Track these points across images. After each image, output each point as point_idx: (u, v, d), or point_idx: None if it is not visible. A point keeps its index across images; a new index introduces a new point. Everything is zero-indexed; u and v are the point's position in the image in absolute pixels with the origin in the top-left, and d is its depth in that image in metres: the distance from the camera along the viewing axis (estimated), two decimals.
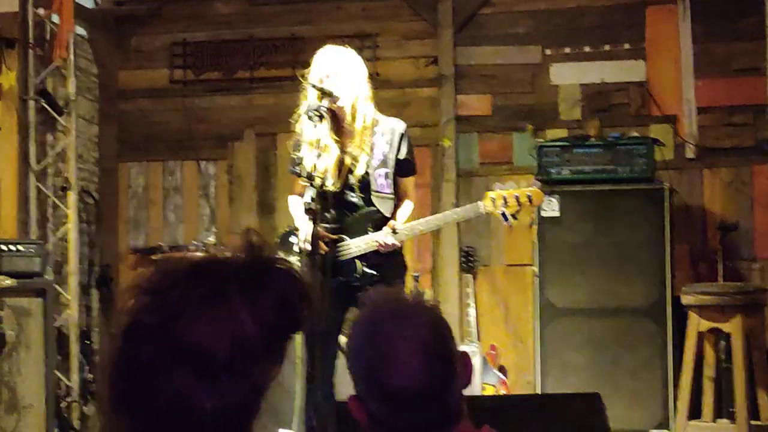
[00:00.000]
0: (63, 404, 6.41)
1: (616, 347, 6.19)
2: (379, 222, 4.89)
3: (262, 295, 1.35)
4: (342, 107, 4.81)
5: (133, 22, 7.78)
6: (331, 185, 4.80)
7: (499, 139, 7.27)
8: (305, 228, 4.75)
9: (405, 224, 4.90)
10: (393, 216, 4.93)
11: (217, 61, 7.66)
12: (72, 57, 6.75)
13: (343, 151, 4.87)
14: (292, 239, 4.96)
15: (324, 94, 4.75)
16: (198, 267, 1.39)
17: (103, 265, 7.34)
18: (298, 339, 4.67)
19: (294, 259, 4.79)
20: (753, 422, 5.32)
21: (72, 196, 6.73)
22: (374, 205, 4.90)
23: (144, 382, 1.32)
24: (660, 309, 6.15)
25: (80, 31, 7.27)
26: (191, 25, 7.72)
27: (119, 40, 7.80)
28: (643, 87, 7.07)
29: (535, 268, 6.41)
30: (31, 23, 6.61)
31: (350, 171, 4.88)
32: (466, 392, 2.01)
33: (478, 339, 6.86)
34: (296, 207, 5.00)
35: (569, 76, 7.20)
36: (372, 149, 4.88)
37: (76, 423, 6.52)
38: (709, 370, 5.50)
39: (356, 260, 4.87)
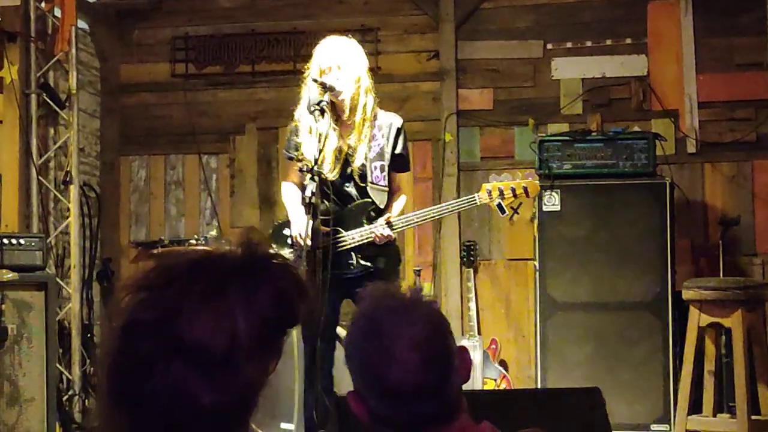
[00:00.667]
0: (64, 398, 6.43)
1: (617, 342, 6.20)
2: (374, 214, 4.91)
3: (260, 291, 1.36)
4: (343, 99, 4.82)
5: (135, 15, 7.78)
6: (328, 174, 4.82)
7: (500, 133, 7.27)
8: (300, 221, 4.77)
9: (400, 216, 4.93)
10: (387, 208, 4.95)
11: (219, 55, 7.66)
12: (74, 51, 6.75)
13: (342, 142, 4.89)
14: (285, 231, 4.97)
15: (325, 88, 4.77)
16: (196, 263, 1.39)
17: (104, 258, 7.35)
18: (296, 334, 4.68)
19: (286, 252, 4.80)
20: (753, 417, 5.33)
21: (74, 190, 6.73)
22: (369, 197, 4.91)
23: (142, 377, 1.33)
24: (661, 303, 6.15)
25: (82, 24, 7.26)
26: (193, 19, 7.72)
27: (121, 33, 7.80)
28: (645, 81, 7.07)
29: (536, 263, 6.41)
30: (32, 17, 6.61)
31: (348, 162, 4.89)
32: (466, 387, 2.01)
33: (479, 333, 6.86)
34: (291, 197, 5.01)
35: (571, 70, 7.20)
36: (370, 141, 4.90)
37: (77, 417, 6.53)
38: (709, 365, 5.50)
39: (351, 252, 4.88)
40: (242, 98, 7.64)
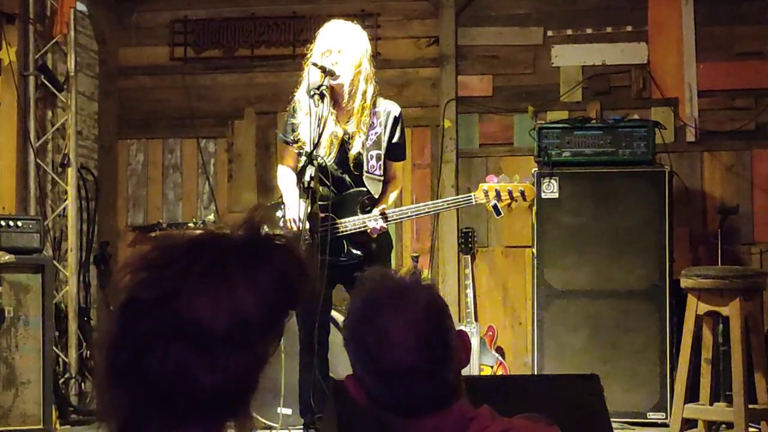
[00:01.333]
0: (61, 381, 6.42)
1: (615, 329, 6.20)
2: (368, 203, 4.91)
3: (261, 271, 1.35)
4: (341, 84, 4.81)
5: None
6: (324, 158, 4.81)
7: (499, 120, 7.26)
8: (295, 205, 4.77)
9: (395, 209, 4.93)
10: (381, 197, 4.94)
11: (218, 38, 7.63)
12: (72, 33, 6.73)
13: (340, 128, 4.88)
14: (278, 213, 4.97)
15: (326, 72, 4.75)
16: (197, 243, 1.38)
17: (102, 242, 7.33)
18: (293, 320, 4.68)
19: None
20: (750, 405, 5.33)
21: (71, 173, 6.72)
22: (364, 186, 4.91)
23: (141, 358, 1.32)
24: (659, 292, 6.15)
25: (81, 7, 7.23)
26: (192, 2, 7.69)
27: (120, 16, 7.77)
28: (645, 70, 7.06)
29: (534, 250, 6.41)
30: None
31: (344, 149, 4.88)
32: (463, 373, 2.01)
33: (476, 320, 6.87)
34: (287, 181, 5.01)
35: (571, 57, 7.19)
36: (368, 130, 4.89)
37: (73, 399, 6.53)
38: (706, 353, 5.50)
39: (343, 240, 4.88)
40: (241, 82, 7.61)
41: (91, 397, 6.60)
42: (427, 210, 5.11)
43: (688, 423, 5.53)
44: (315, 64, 4.77)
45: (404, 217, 5.04)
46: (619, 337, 6.19)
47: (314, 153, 4.71)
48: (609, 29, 7.14)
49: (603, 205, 6.30)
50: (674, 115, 6.97)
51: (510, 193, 4.98)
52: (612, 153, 6.38)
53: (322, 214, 4.78)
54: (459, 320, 6.83)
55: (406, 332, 1.87)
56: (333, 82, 4.78)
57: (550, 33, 7.22)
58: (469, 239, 7.04)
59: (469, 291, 6.94)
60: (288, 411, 5.28)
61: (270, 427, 5.50)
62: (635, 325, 6.17)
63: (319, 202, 4.77)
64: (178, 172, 7.67)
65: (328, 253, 4.74)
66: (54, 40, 6.72)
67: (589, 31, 7.16)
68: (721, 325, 5.57)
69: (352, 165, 4.87)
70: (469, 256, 7.04)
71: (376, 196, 4.93)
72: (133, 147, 7.73)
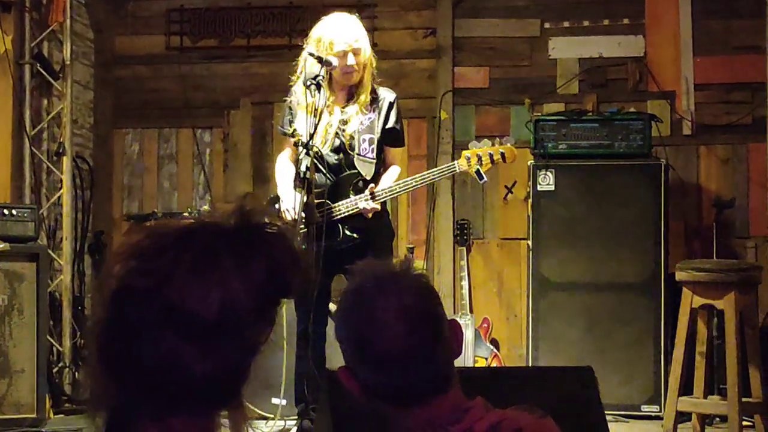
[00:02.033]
0: (54, 370, 6.42)
1: (609, 322, 6.20)
2: (360, 185, 4.93)
3: (253, 260, 1.35)
4: (350, 75, 4.85)
5: None
6: (321, 148, 4.84)
7: (496, 112, 7.25)
8: (291, 197, 4.78)
9: (383, 187, 4.93)
10: (374, 180, 4.96)
11: (214, 28, 7.61)
12: (68, 21, 6.70)
13: (336, 117, 4.90)
14: (276, 206, 4.98)
15: (322, 63, 4.76)
16: (188, 231, 1.38)
17: (96, 231, 7.32)
18: (284, 308, 4.68)
19: None
20: (744, 399, 5.33)
21: (66, 162, 6.70)
22: (356, 168, 4.93)
23: (133, 346, 1.31)
24: (654, 285, 6.15)
25: None
26: None
27: (116, 5, 7.74)
28: (642, 63, 7.05)
29: (530, 242, 6.40)
30: None
31: (339, 136, 4.91)
32: (457, 364, 2.01)
33: (471, 312, 6.86)
34: (282, 172, 5.02)
35: (568, 50, 7.18)
36: (363, 115, 4.93)
37: (67, 389, 6.53)
38: (701, 347, 5.50)
39: (338, 224, 4.89)
40: (237, 72, 7.59)
41: (84, 386, 6.60)
42: (414, 183, 5.11)
43: (682, 416, 5.53)
44: (312, 55, 4.77)
45: (394, 194, 5.05)
46: (613, 330, 6.19)
47: (310, 143, 4.71)
48: (606, 22, 7.13)
49: (599, 198, 6.30)
50: (671, 109, 6.96)
51: (491, 156, 5.10)
52: (608, 146, 6.37)
53: (318, 200, 4.80)
54: (454, 312, 6.82)
55: (396, 318, 1.88)
56: (335, 72, 4.83)
57: (547, 25, 7.20)
58: (465, 231, 7.04)
59: (465, 283, 6.93)
60: (283, 402, 5.28)
61: (265, 418, 5.50)
62: (630, 317, 6.18)
63: (316, 190, 4.79)
64: (173, 161, 7.65)
65: (324, 239, 4.75)
66: (50, 29, 6.70)
67: (586, 23, 7.15)
68: (715, 319, 5.57)
69: (344, 149, 4.90)
70: (464, 248, 7.03)
71: (369, 178, 4.95)
72: (128, 137, 7.71)
